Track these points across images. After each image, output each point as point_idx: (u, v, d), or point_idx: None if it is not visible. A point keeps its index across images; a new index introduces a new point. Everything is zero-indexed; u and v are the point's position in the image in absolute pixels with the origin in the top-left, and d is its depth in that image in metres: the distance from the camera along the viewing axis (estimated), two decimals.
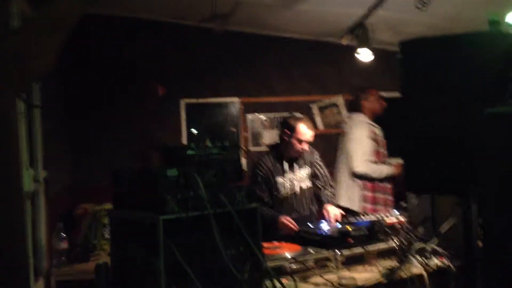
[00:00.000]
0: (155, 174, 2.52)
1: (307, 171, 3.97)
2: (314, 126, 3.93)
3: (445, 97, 2.48)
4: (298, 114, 3.98)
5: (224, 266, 2.49)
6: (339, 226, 3.30)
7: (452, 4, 4.26)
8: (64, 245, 4.00)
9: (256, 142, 6.35)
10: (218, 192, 2.59)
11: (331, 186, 4.10)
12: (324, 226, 3.33)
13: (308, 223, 3.54)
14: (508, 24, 1.37)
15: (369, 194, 4.69)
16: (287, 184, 3.86)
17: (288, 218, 3.64)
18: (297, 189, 3.90)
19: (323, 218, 3.75)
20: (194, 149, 2.69)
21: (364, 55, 4.70)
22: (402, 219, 3.41)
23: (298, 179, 3.92)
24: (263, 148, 6.31)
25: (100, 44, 5.82)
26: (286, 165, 3.88)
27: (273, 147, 4.00)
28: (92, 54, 5.80)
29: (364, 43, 4.45)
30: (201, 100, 6.23)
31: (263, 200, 3.80)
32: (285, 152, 3.88)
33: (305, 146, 3.86)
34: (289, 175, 3.88)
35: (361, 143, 4.62)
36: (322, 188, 4.03)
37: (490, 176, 1.61)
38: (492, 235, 1.64)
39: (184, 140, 6.12)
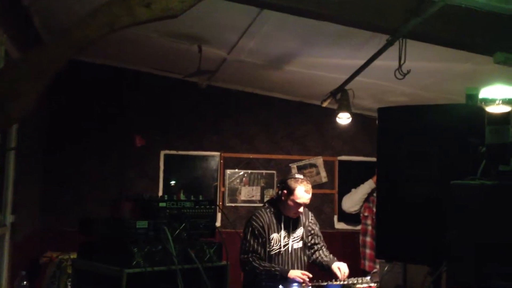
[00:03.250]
0: (124, 225, 2.47)
1: (301, 231, 3.95)
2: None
3: (418, 166, 2.51)
4: (298, 175, 3.98)
5: None
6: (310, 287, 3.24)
7: (432, 76, 4.38)
8: None
9: (233, 198, 6.31)
10: (187, 247, 2.54)
11: (324, 245, 4.08)
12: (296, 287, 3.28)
13: (280, 285, 3.49)
14: (482, 99, 1.41)
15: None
16: (280, 242, 3.83)
17: (297, 272, 3.65)
18: (289, 247, 3.87)
19: (335, 276, 3.71)
20: (167, 202, 2.65)
21: (343, 119, 4.81)
22: (372, 285, 3.37)
23: (291, 238, 3.89)
24: (238, 204, 6.28)
25: (83, 89, 5.86)
26: (281, 223, 3.86)
27: (271, 203, 3.99)
28: (76, 98, 5.83)
29: (344, 108, 4.54)
30: (181, 152, 6.23)
31: (258, 253, 3.75)
32: (282, 210, 3.88)
33: (301, 209, 3.86)
34: (283, 232, 3.86)
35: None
36: (317, 249, 4.00)
37: (460, 247, 1.60)
38: None
39: (161, 191, 6.06)
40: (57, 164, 5.73)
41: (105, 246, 2.57)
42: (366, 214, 5.19)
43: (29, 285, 3.84)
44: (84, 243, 2.68)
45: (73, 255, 4.21)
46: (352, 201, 5.38)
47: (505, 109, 1.44)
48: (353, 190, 5.49)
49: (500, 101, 1.43)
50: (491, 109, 1.46)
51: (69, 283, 4.13)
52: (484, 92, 1.49)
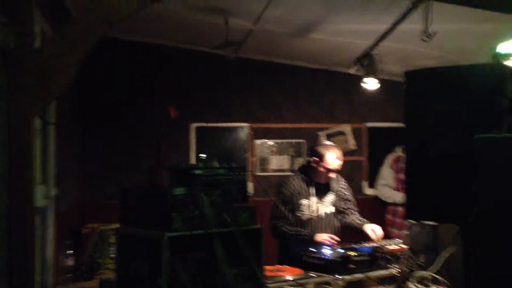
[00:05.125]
0: (163, 192, 2.59)
1: (332, 197, 4.03)
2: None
3: (446, 126, 2.55)
4: (328, 142, 4.06)
5: (226, 285, 2.54)
6: (342, 251, 3.33)
7: (459, 38, 4.35)
8: (70, 262, 4.06)
9: (263, 168, 6.43)
10: (222, 211, 2.65)
11: (357, 210, 4.16)
12: (327, 251, 3.37)
13: (311, 248, 3.58)
14: (499, 54, 1.45)
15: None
16: (311, 207, 3.91)
17: (324, 235, 3.74)
18: (321, 213, 3.95)
19: (368, 238, 3.79)
20: (202, 170, 2.76)
21: (370, 84, 4.82)
22: (403, 246, 3.44)
23: (322, 203, 3.97)
24: (269, 173, 6.39)
25: (116, 66, 6.01)
26: (312, 189, 3.95)
27: (302, 170, 4.08)
28: (108, 75, 5.98)
29: (371, 73, 4.56)
30: (210, 124, 6.35)
31: (288, 219, 3.87)
32: (312, 177, 3.96)
33: (332, 175, 3.93)
34: (314, 198, 3.94)
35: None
36: (350, 213, 4.08)
37: (484, 203, 1.66)
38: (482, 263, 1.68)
39: (193, 162, 6.21)
40: (94, 139, 5.95)
41: (145, 213, 2.69)
42: (397, 185, 5.32)
43: (73, 253, 4.06)
44: (125, 211, 2.82)
45: (114, 226, 4.39)
46: (391, 191, 5.65)
47: None
48: (380, 179, 5.86)
49: None
50: (509, 63, 1.51)
51: (111, 252, 4.32)
52: (502, 47, 1.53)
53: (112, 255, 4.29)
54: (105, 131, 6.00)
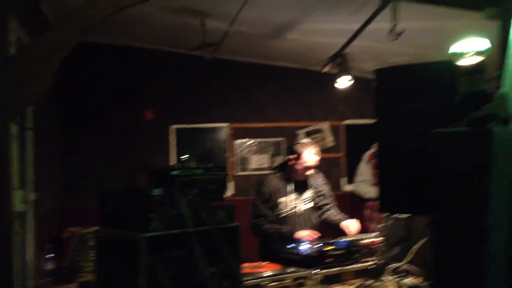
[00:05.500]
0: (141, 194, 2.64)
1: (310, 194, 4.11)
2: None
3: (413, 122, 2.63)
4: (305, 139, 4.13)
5: (204, 283, 2.59)
6: (319, 245, 3.41)
7: (429, 35, 4.46)
8: (51, 266, 4.07)
9: (243, 167, 6.49)
10: (200, 210, 2.71)
11: (335, 204, 4.24)
12: (304, 246, 3.45)
13: (291, 244, 3.65)
14: (453, 54, 1.54)
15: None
16: (290, 205, 3.99)
17: (304, 232, 3.82)
18: (299, 209, 4.02)
19: (345, 235, 3.88)
20: (179, 170, 2.81)
21: (343, 82, 4.92)
22: (378, 239, 3.53)
23: (301, 200, 4.05)
24: (249, 173, 6.47)
25: (95, 70, 6.04)
26: (291, 186, 4.02)
27: (279, 168, 4.16)
28: (88, 79, 6.01)
29: (344, 72, 4.65)
30: (191, 125, 6.39)
31: (268, 217, 3.94)
32: (290, 174, 4.03)
33: (310, 172, 4.01)
34: (293, 196, 4.02)
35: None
36: (329, 209, 4.17)
37: (442, 194, 1.75)
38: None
39: (174, 163, 6.26)
40: (75, 143, 5.98)
41: (123, 214, 2.73)
42: (375, 180, 5.45)
43: (54, 257, 4.07)
44: (104, 213, 2.85)
45: (94, 229, 4.41)
46: (369, 187, 5.79)
47: (477, 59, 1.57)
48: (358, 175, 6.00)
49: (473, 53, 1.56)
50: (463, 61, 1.59)
51: (91, 255, 4.34)
52: (455, 47, 1.62)
53: (93, 258, 4.31)
54: (86, 135, 6.02)
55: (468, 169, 1.64)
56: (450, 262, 1.80)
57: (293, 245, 3.52)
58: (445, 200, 1.74)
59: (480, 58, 1.56)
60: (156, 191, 2.66)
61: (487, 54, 1.57)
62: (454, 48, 1.60)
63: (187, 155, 6.31)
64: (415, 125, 2.65)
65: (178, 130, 6.37)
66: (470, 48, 1.57)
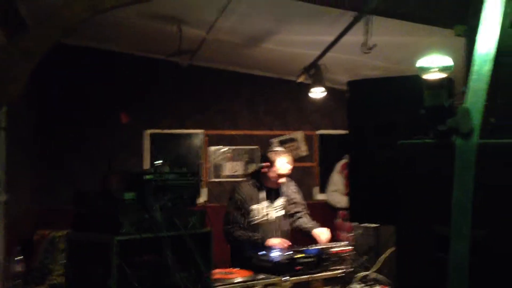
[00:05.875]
0: (112, 197, 2.65)
1: (282, 201, 4.16)
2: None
3: (384, 135, 2.70)
4: (278, 148, 4.18)
5: (176, 287, 2.61)
6: (289, 253, 3.46)
7: (402, 50, 4.58)
8: (20, 268, 4.04)
9: (217, 174, 6.52)
10: (172, 215, 2.73)
11: (307, 212, 4.29)
12: (275, 254, 3.49)
13: (262, 251, 3.69)
14: (419, 68, 1.62)
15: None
16: (262, 212, 4.03)
17: (276, 240, 3.87)
18: (271, 217, 4.07)
19: (316, 242, 3.93)
20: (152, 174, 2.83)
21: (317, 93, 5.02)
22: (348, 248, 3.59)
23: (273, 207, 4.09)
24: (223, 179, 6.50)
25: (73, 72, 6.00)
26: (263, 194, 4.06)
27: (252, 175, 4.20)
28: (65, 81, 5.98)
29: (317, 82, 4.74)
30: (165, 131, 6.40)
31: (240, 224, 3.97)
32: (263, 182, 4.07)
33: (283, 179, 4.06)
34: (265, 203, 4.06)
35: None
36: (300, 216, 4.21)
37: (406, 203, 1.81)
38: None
39: (147, 168, 6.24)
40: (48, 144, 5.92)
41: (96, 217, 2.74)
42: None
43: (24, 259, 4.03)
44: (77, 216, 2.85)
45: (65, 232, 4.39)
46: (341, 196, 5.90)
47: (441, 75, 1.65)
48: (330, 185, 6.11)
49: (436, 69, 1.64)
50: (428, 76, 1.67)
51: (62, 258, 4.32)
52: (421, 62, 1.70)
53: (63, 261, 4.29)
54: (60, 137, 5.97)
55: (432, 179, 1.71)
56: (411, 272, 1.86)
57: (264, 252, 3.56)
58: (408, 209, 1.81)
59: (444, 75, 1.63)
60: (128, 195, 2.68)
61: (450, 71, 1.65)
62: (420, 63, 1.67)
63: (160, 161, 6.30)
64: (385, 136, 2.73)
65: (152, 135, 6.37)
66: (435, 64, 1.65)
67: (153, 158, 6.32)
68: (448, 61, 1.64)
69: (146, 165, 6.27)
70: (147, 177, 2.81)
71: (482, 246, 1.57)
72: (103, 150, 6.02)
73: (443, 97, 1.61)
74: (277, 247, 3.78)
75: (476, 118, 1.57)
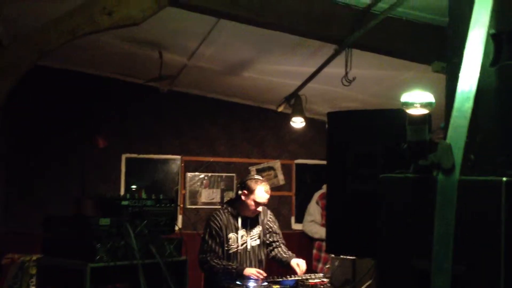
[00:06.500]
0: (87, 222, 2.60)
1: (259, 230, 4.13)
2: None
3: (363, 166, 2.73)
4: (257, 176, 4.19)
5: None
6: (265, 283, 3.42)
7: (380, 83, 4.67)
8: None
9: (194, 200, 6.46)
10: (148, 243, 2.69)
11: (283, 242, 4.27)
12: (251, 284, 3.45)
13: (237, 281, 3.65)
14: (403, 103, 1.65)
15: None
16: (239, 240, 3.99)
17: (253, 269, 3.83)
18: (247, 245, 4.03)
19: (294, 272, 3.91)
20: (129, 200, 2.79)
21: (297, 123, 5.07)
22: (325, 280, 3.58)
23: (249, 236, 4.06)
24: (199, 206, 6.44)
25: (47, 94, 5.92)
26: (240, 222, 4.03)
27: (229, 203, 4.16)
28: (39, 103, 5.89)
29: (297, 112, 4.78)
30: (142, 156, 6.34)
31: (216, 252, 3.92)
32: (240, 210, 4.04)
33: (260, 208, 4.04)
34: (241, 232, 4.02)
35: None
36: (276, 246, 4.19)
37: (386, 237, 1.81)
38: None
39: (123, 193, 6.15)
40: (18, 167, 5.79)
41: (69, 243, 2.68)
42: (324, 221, 5.54)
43: None
44: (48, 241, 2.79)
45: (35, 257, 4.28)
46: (318, 227, 5.90)
47: (423, 111, 1.67)
48: (307, 215, 6.14)
49: (419, 104, 1.67)
50: (411, 111, 1.69)
51: (32, 284, 4.20)
52: (404, 97, 1.72)
53: (33, 287, 4.17)
54: (32, 158, 5.85)
55: (412, 214, 1.71)
56: None
57: (239, 282, 3.52)
58: (388, 243, 1.81)
59: (426, 110, 1.66)
60: (104, 221, 2.63)
61: (432, 107, 1.68)
62: (404, 98, 1.70)
63: (135, 186, 6.23)
64: (364, 168, 2.75)
65: (129, 159, 6.30)
66: (417, 100, 1.67)
67: (129, 183, 6.24)
68: (430, 97, 1.67)
69: (123, 190, 6.18)
70: (124, 202, 2.77)
71: (461, 281, 1.58)
72: (76, 174, 5.92)
73: (425, 132, 1.64)
74: (253, 277, 3.74)
75: (458, 154, 1.59)
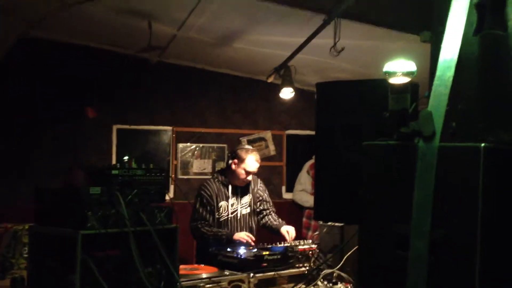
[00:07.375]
0: (77, 191, 2.63)
1: (249, 199, 4.20)
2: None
3: (350, 136, 2.77)
4: (248, 146, 4.24)
5: (140, 283, 2.61)
6: (255, 250, 3.50)
7: (369, 54, 4.67)
8: None
9: (185, 171, 6.51)
10: (139, 211, 2.72)
11: (273, 210, 4.35)
12: (241, 250, 3.53)
13: (228, 248, 3.72)
14: (385, 72, 1.68)
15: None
16: (229, 208, 4.07)
17: (242, 233, 3.92)
18: (238, 213, 4.11)
19: (284, 239, 4.00)
20: (119, 169, 2.82)
21: (286, 93, 5.08)
22: (314, 246, 3.66)
23: (240, 204, 4.13)
24: (190, 176, 6.50)
25: (37, 65, 5.87)
26: (230, 191, 4.09)
27: (220, 172, 4.22)
28: (29, 74, 5.84)
29: (287, 83, 4.80)
30: (133, 127, 6.35)
31: (207, 220, 3.99)
32: (231, 179, 4.10)
33: (250, 177, 4.10)
34: (232, 200, 4.09)
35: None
36: (267, 214, 4.26)
37: (368, 202, 1.87)
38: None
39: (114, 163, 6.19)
40: (9, 139, 5.78)
41: (60, 212, 2.71)
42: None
43: None
44: (40, 210, 2.82)
45: (28, 226, 4.31)
46: (308, 196, 6.00)
47: (405, 80, 1.70)
48: (297, 184, 6.20)
49: (401, 73, 1.70)
50: (393, 80, 1.72)
51: (24, 252, 4.24)
52: (387, 66, 1.75)
53: (26, 255, 4.22)
54: (23, 130, 5.84)
55: (394, 180, 1.76)
56: (372, 269, 1.91)
57: (230, 249, 3.59)
58: (370, 209, 1.86)
59: (407, 79, 1.69)
60: (94, 190, 2.66)
61: (413, 76, 1.71)
62: (386, 67, 1.73)
63: (127, 156, 6.25)
64: (351, 138, 2.79)
65: (120, 130, 6.31)
66: (399, 69, 1.70)
67: (120, 154, 6.27)
68: (412, 66, 1.70)
69: (113, 160, 6.21)
70: (114, 172, 2.80)
71: (440, 245, 1.63)
72: (68, 145, 5.94)
73: (407, 101, 1.67)
74: (243, 240, 3.83)
75: (438, 122, 1.63)
